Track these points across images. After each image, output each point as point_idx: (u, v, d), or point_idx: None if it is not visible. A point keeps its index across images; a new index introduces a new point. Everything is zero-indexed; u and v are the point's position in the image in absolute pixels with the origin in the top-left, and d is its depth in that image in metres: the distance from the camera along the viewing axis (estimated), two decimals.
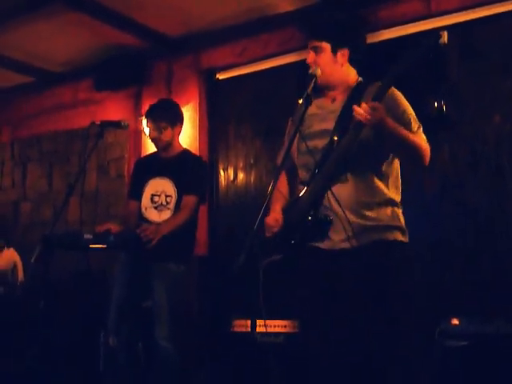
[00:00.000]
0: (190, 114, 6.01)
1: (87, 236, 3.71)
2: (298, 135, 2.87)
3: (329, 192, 2.76)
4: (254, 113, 5.89)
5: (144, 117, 4.30)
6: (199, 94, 6.14)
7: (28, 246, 6.82)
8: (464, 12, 4.73)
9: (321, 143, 2.84)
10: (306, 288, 2.89)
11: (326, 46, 2.89)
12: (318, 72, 2.82)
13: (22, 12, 5.47)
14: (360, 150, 2.74)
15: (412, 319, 2.82)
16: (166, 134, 4.18)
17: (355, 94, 2.86)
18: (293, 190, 3.12)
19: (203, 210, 5.55)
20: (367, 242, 2.74)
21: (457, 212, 4.60)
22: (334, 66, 2.91)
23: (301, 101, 2.75)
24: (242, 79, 6.03)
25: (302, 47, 5.36)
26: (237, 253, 2.47)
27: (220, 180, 6.06)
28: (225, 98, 6.15)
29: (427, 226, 4.63)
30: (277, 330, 4.50)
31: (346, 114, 2.79)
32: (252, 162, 5.87)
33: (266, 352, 4.42)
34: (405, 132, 2.71)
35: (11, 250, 6.70)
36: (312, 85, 2.77)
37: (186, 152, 4.32)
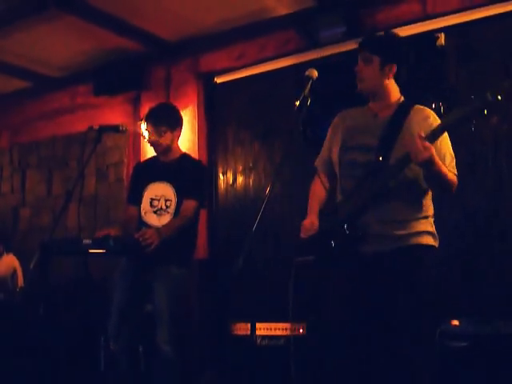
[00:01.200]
0: (188, 117, 6.01)
1: (86, 241, 3.71)
2: (339, 146, 3.09)
3: (370, 209, 2.93)
4: (252, 116, 5.90)
5: (143, 120, 4.28)
6: (197, 97, 6.15)
7: (27, 251, 6.83)
8: (460, 13, 4.74)
9: (362, 157, 2.99)
10: (341, 288, 3.07)
11: (376, 58, 3.04)
12: (314, 74, 2.87)
13: (19, 17, 5.48)
14: (406, 177, 2.93)
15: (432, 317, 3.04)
16: (166, 138, 4.17)
17: (400, 113, 3.01)
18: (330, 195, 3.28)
19: (203, 214, 5.55)
20: (401, 245, 2.91)
21: (455, 213, 4.60)
22: (380, 78, 3.06)
23: (298, 103, 2.78)
24: (240, 83, 6.03)
25: (299, 50, 5.44)
26: (237, 256, 2.48)
27: (219, 183, 6.06)
28: (223, 102, 6.16)
29: None
30: (277, 333, 4.50)
31: (389, 132, 2.97)
32: (251, 165, 5.87)
33: (266, 355, 4.43)
34: (445, 170, 2.87)
35: (11, 255, 6.69)
36: (309, 86, 2.82)
37: (185, 156, 4.32)
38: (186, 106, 6.03)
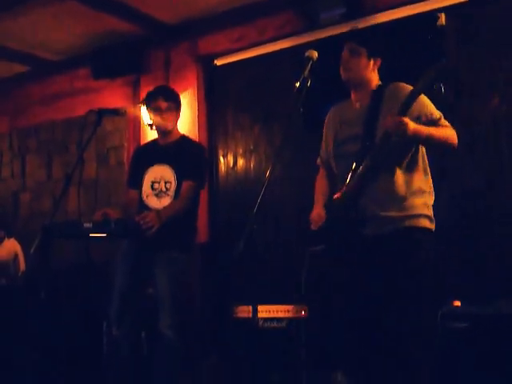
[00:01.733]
0: (188, 100, 5.99)
1: (87, 225, 3.70)
2: (333, 141, 3.25)
3: (366, 189, 3.01)
4: (252, 98, 5.88)
5: (150, 97, 4.25)
6: (197, 80, 6.12)
7: (29, 236, 6.84)
8: None
9: (352, 148, 3.10)
10: (341, 273, 3.20)
11: (363, 50, 3.13)
12: (314, 55, 2.87)
13: (18, 1, 5.45)
14: (393, 151, 2.99)
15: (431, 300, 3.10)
16: (173, 116, 4.20)
17: (376, 98, 3.11)
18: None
19: (203, 197, 5.56)
20: (397, 228, 2.97)
21: (455, 193, 4.60)
22: (366, 70, 3.16)
23: (298, 84, 2.78)
24: (239, 65, 6.01)
25: (299, 32, 5.41)
26: (237, 239, 2.48)
27: (220, 166, 6.05)
28: (223, 84, 6.14)
29: None
30: (280, 315, 4.50)
31: (370, 119, 3.07)
32: (251, 148, 5.86)
33: (269, 337, 4.44)
34: (432, 131, 2.93)
35: (12, 240, 6.71)
36: (308, 67, 2.83)
37: (184, 138, 4.31)
38: (185, 89, 6.01)
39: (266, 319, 4.53)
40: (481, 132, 4.57)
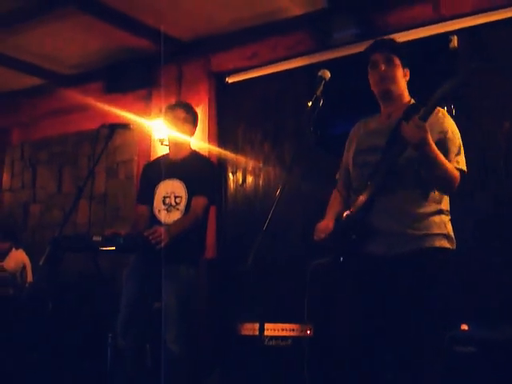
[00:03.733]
0: (199, 116, 5.99)
1: (96, 238, 3.72)
2: (353, 151, 3.12)
3: (379, 203, 2.90)
4: (263, 116, 5.90)
5: (170, 108, 4.30)
6: (209, 97, 6.15)
7: (37, 247, 6.87)
8: (474, 16, 4.72)
9: (372, 158, 2.97)
10: (354, 289, 3.04)
11: (397, 60, 3.05)
12: (327, 75, 2.87)
13: (32, 14, 5.50)
14: (409, 165, 2.86)
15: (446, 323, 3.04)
16: (189, 128, 4.28)
17: (409, 115, 2.92)
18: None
19: (212, 213, 5.56)
20: (415, 248, 2.84)
21: (464, 217, 4.58)
22: (403, 80, 3.09)
23: (310, 103, 2.78)
24: (251, 83, 6.03)
25: (311, 51, 5.44)
26: (245, 255, 2.48)
27: (229, 183, 6.06)
28: (234, 102, 6.16)
29: None
30: (285, 333, 4.49)
31: (397, 131, 2.89)
32: (261, 165, 5.87)
33: (274, 355, 4.43)
34: (442, 158, 2.80)
35: (20, 251, 6.72)
36: (321, 87, 2.82)
37: (195, 153, 4.33)
38: (197, 105, 6.01)
39: (271, 337, 4.52)
40: (492, 155, 4.56)
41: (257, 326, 4.54)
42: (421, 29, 4.94)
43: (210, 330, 5.49)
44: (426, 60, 4.72)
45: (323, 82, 2.85)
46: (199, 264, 4.12)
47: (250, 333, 4.58)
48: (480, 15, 4.71)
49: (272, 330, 4.54)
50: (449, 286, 2.97)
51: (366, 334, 2.90)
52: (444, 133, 2.91)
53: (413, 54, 4.74)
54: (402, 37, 5.00)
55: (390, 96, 3.06)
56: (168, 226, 3.91)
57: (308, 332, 4.40)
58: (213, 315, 5.59)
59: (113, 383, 4.32)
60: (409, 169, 2.87)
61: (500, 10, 4.63)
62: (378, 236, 2.87)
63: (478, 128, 4.62)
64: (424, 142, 2.69)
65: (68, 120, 7.31)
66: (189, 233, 3.94)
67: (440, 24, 4.87)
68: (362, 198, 2.94)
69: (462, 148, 2.95)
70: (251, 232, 2.63)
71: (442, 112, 2.97)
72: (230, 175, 6.07)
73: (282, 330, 4.51)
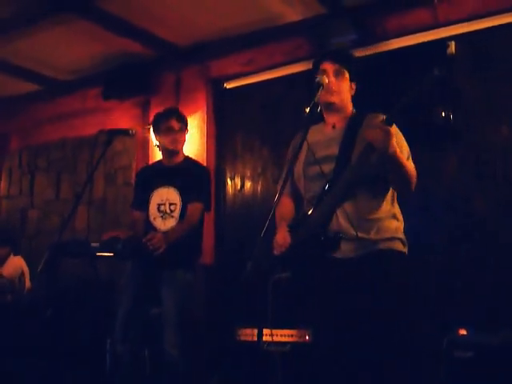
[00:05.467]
0: (197, 123, 6.03)
1: (94, 244, 3.74)
2: (303, 161, 3.11)
3: (339, 210, 2.93)
4: (261, 122, 5.91)
5: (162, 117, 4.30)
6: (207, 103, 6.16)
7: (35, 253, 6.87)
8: (471, 22, 4.74)
9: (327, 168, 2.99)
10: (317, 295, 3.02)
11: (346, 73, 3.10)
12: (325, 81, 2.88)
13: (31, 20, 5.50)
14: (370, 172, 2.90)
15: (419, 327, 3.06)
16: (184, 137, 4.29)
17: (354, 124, 3.04)
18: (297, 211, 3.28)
19: (210, 219, 5.56)
20: (372, 250, 2.90)
21: (463, 222, 4.59)
22: (348, 94, 3.14)
23: (308, 109, 2.79)
24: (249, 89, 6.05)
25: (309, 57, 5.44)
26: (244, 262, 2.48)
27: (227, 189, 6.07)
28: (232, 108, 6.17)
29: (434, 236, 4.64)
30: (283, 339, 4.49)
31: (347, 140, 2.99)
32: (259, 171, 5.88)
33: (272, 361, 4.42)
34: (404, 160, 2.86)
35: (18, 257, 6.71)
36: (319, 93, 2.82)
37: (188, 159, 4.35)
38: (195, 111, 6.05)
39: (269, 343, 4.52)
40: (490, 160, 4.57)
41: (255, 331, 4.55)
42: (418, 34, 4.95)
43: (208, 336, 5.48)
44: (424, 66, 4.73)
45: (321, 88, 2.86)
46: (196, 268, 4.13)
47: (248, 338, 4.58)
48: (477, 21, 4.73)
49: (270, 335, 4.53)
50: (408, 287, 3.01)
51: (338, 339, 2.91)
52: (399, 143, 2.91)
53: (409, 60, 4.80)
54: (399, 42, 5.05)
55: (333, 108, 3.10)
56: (166, 233, 3.92)
57: (307, 337, 4.40)
58: (211, 320, 5.59)
59: None
60: (369, 177, 2.92)
61: (497, 16, 4.65)
62: (340, 244, 2.90)
63: (476, 133, 4.63)
64: (389, 145, 2.71)
65: (66, 126, 7.31)
66: (185, 238, 3.95)
67: (438, 30, 4.88)
68: (319, 208, 2.96)
69: (410, 154, 3.00)
70: (250, 238, 2.64)
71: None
72: (229, 181, 6.07)
73: (281, 335, 4.50)
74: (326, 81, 2.90)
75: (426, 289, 4.45)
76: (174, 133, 4.20)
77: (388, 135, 2.69)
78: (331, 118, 3.14)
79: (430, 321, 4.29)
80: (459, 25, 4.80)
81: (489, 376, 3.49)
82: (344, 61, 3.12)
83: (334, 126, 3.11)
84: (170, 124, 4.21)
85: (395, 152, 2.76)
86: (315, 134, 3.10)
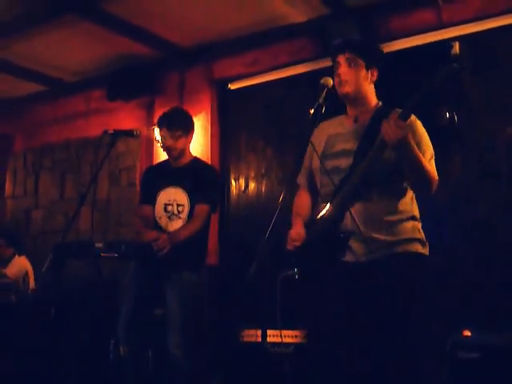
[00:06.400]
0: (201, 123, 6.03)
1: (98, 245, 3.73)
2: (318, 155, 2.97)
3: (352, 209, 2.83)
4: (265, 123, 5.91)
5: (157, 125, 4.29)
6: (211, 103, 6.16)
7: (39, 254, 6.87)
8: (476, 22, 4.73)
9: (344, 163, 2.90)
10: (327, 299, 2.92)
11: (361, 61, 2.96)
12: (330, 82, 2.84)
13: (35, 22, 5.52)
14: (384, 170, 2.82)
15: (429, 329, 2.91)
16: (181, 142, 4.17)
17: (378, 118, 2.88)
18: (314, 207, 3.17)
19: (214, 220, 5.56)
20: (389, 254, 2.80)
21: (467, 223, 4.59)
22: (365, 83, 2.99)
23: (312, 111, 2.77)
24: (253, 89, 6.05)
25: (314, 58, 5.45)
26: (248, 262, 2.48)
27: (231, 190, 6.07)
28: (236, 108, 6.17)
29: (437, 237, 4.63)
30: (287, 340, 4.48)
31: (369, 135, 2.86)
32: (263, 171, 5.88)
33: (276, 362, 4.42)
34: (422, 159, 2.77)
35: (23, 257, 6.72)
36: (323, 95, 2.79)
37: (196, 160, 4.32)
38: (199, 112, 6.05)
39: (272, 344, 4.52)
40: (493, 161, 4.57)
41: (259, 332, 4.55)
42: (423, 35, 4.95)
43: (212, 336, 5.48)
44: (428, 66, 4.72)
45: (325, 89, 2.83)
46: (201, 270, 4.12)
47: (252, 339, 4.58)
48: (482, 21, 4.73)
49: (274, 336, 4.53)
50: (426, 289, 2.94)
51: (349, 347, 2.81)
52: (417, 136, 2.86)
53: (413, 61, 4.79)
54: (404, 43, 5.05)
55: (349, 98, 2.99)
56: (171, 233, 3.92)
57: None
58: (215, 321, 5.59)
59: None
60: (384, 174, 2.83)
61: (501, 17, 4.64)
62: (353, 243, 2.82)
63: (479, 133, 4.63)
64: (404, 142, 2.65)
65: (71, 127, 7.33)
66: (191, 239, 3.94)
67: (442, 30, 4.88)
68: (332, 206, 2.86)
69: (433, 155, 2.90)
70: (254, 238, 2.63)
71: (413, 119, 2.89)
72: (233, 182, 6.07)
73: (285, 336, 4.50)
74: (331, 83, 2.86)
75: (431, 290, 4.45)
76: (167, 142, 4.17)
77: (401, 130, 2.61)
78: (352, 111, 3.03)
79: (435, 323, 4.29)
80: (463, 25, 4.80)
81: (494, 377, 3.48)
82: (357, 48, 2.98)
83: (356, 120, 3.00)
84: (161, 134, 4.20)
85: (411, 149, 2.69)
86: (335, 127, 3.03)
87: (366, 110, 3.00)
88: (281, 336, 3.12)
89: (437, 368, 3.57)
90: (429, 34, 4.94)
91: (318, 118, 2.78)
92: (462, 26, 4.80)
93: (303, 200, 3.17)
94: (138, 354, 4.02)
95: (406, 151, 2.69)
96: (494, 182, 4.55)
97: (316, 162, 3.04)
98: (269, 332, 4.53)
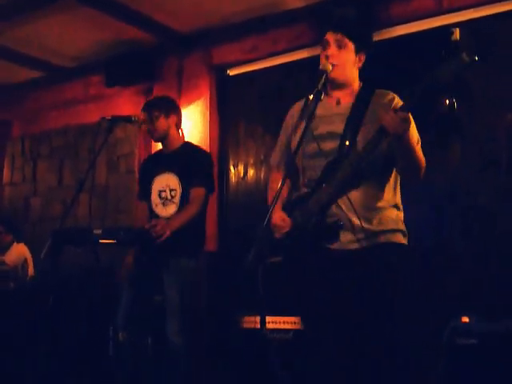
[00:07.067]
0: (200, 109, 6.01)
1: (97, 231, 3.72)
2: (300, 137, 2.84)
3: (340, 195, 2.78)
4: (264, 109, 5.88)
5: (150, 107, 4.30)
6: (210, 90, 6.14)
7: (38, 241, 6.87)
8: (476, 9, 4.70)
9: (328, 146, 2.85)
10: (313, 286, 2.88)
11: (351, 44, 2.88)
12: (329, 68, 2.81)
13: (33, 7, 5.48)
14: (376, 158, 2.77)
15: (413, 317, 2.81)
16: (160, 124, 4.18)
17: (362, 99, 2.87)
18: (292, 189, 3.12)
19: (213, 206, 5.55)
20: (374, 243, 2.77)
21: (466, 212, 4.58)
22: (353, 67, 2.93)
23: (311, 96, 2.74)
24: (252, 75, 6.02)
25: (313, 44, 5.42)
26: (246, 249, 2.47)
27: (230, 176, 6.06)
28: (235, 95, 6.15)
29: (437, 226, 4.63)
30: (286, 326, 4.49)
31: (354, 117, 2.83)
32: (262, 158, 5.86)
33: (274, 348, 4.43)
34: (417, 148, 2.75)
35: (21, 244, 6.72)
36: (323, 81, 2.76)
37: (187, 144, 4.33)
38: (198, 98, 6.03)
39: (271, 330, 4.52)
40: (494, 149, 4.55)
41: (258, 319, 4.56)
42: (423, 21, 4.93)
43: (211, 323, 5.49)
44: (428, 53, 4.70)
45: (324, 75, 2.81)
46: (199, 256, 4.12)
47: (251, 326, 4.59)
48: (482, 7, 4.69)
49: (273, 323, 4.54)
50: (411, 278, 2.92)
51: (335, 334, 2.80)
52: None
53: (413, 47, 4.77)
54: (404, 29, 5.02)
55: (335, 82, 2.91)
56: (169, 219, 3.91)
57: None
58: (214, 308, 5.60)
59: (115, 376, 4.33)
60: (374, 163, 2.77)
61: (502, 3, 4.61)
62: (338, 230, 2.77)
63: (479, 120, 4.61)
64: (406, 134, 2.61)
65: (69, 113, 7.31)
66: (188, 225, 3.93)
67: (442, 16, 4.85)
68: (321, 193, 2.80)
69: (420, 140, 2.83)
70: (252, 225, 2.62)
71: (397, 98, 2.85)
72: (232, 168, 6.06)
73: (284, 322, 4.51)
74: (330, 68, 2.83)
75: (426, 280, 4.45)
76: (146, 126, 4.22)
77: (406, 123, 2.56)
78: (335, 93, 2.95)
79: (431, 313, 4.30)
80: (464, 11, 4.77)
81: (492, 363, 3.49)
82: (348, 30, 2.88)
83: (338, 102, 2.93)
84: (142, 119, 4.25)
85: (409, 138, 2.65)
86: (319, 109, 2.87)
87: (350, 92, 2.95)
88: (264, 323, 3.06)
89: (431, 355, 3.57)
90: (429, 19, 4.91)
91: (317, 104, 2.75)
92: (462, 12, 4.77)
93: (279, 182, 2.92)
94: (137, 341, 4.03)
95: (405, 141, 2.66)
96: (493, 172, 4.52)
97: (295, 144, 2.90)
98: (268, 318, 4.54)
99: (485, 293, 4.35)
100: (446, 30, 4.66)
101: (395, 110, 2.59)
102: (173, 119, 4.26)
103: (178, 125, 4.31)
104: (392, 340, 2.76)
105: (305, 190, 2.93)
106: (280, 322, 4.52)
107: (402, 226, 2.88)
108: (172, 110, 4.29)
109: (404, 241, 2.87)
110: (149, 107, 4.27)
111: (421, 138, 2.83)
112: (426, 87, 2.57)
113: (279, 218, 2.86)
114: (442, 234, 4.63)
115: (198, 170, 4.10)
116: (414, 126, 2.79)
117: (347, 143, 2.79)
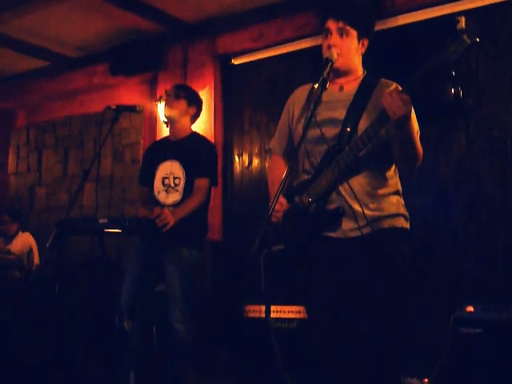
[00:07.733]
0: (205, 98, 5.97)
1: (102, 220, 3.73)
2: (303, 122, 2.84)
3: (341, 182, 2.75)
4: (269, 98, 5.88)
5: (178, 96, 4.29)
6: (214, 79, 6.13)
7: (43, 230, 6.90)
8: None
9: (330, 132, 2.81)
10: (316, 275, 2.86)
11: (354, 32, 2.84)
12: (334, 56, 2.79)
13: None
14: (376, 144, 2.74)
15: (418, 301, 2.82)
16: (179, 105, 4.19)
17: (366, 86, 2.84)
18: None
19: (218, 196, 5.56)
20: (376, 229, 2.73)
21: (471, 200, 4.57)
22: (356, 54, 2.90)
23: (317, 85, 2.72)
24: (257, 64, 6.02)
25: (318, 32, 5.39)
26: (251, 238, 2.47)
27: (235, 166, 6.06)
28: (240, 84, 6.14)
29: (442, 214, 4.62)
30: (290, 315, 4.50)
31: (357, 104, 2.79)
32: (267, 147, 5.85)
33: (280, 337, 4.44)
34: (416, 133, 2.71)
35: (27, 234, 6.75)
36: (328, 69, 2.75)
37: (194, 134, 4.32)
38: (202, 87, 6.02)
39: (276, 319, 4.54)
40: (500, 137, 4.54)
41: (263, 308, 4.57)
42: (428, 9, 4.90)
43: (216, 312, 5.51)
44: (433, 41, 4.68)
45: (330, 63, 2.79)
46: (202, 245, 4.12)
47: (256, 315, 4.60)
48: None
49: (277, 311, 4.55)
50: (410, 262, 2.90)
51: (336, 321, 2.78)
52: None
53: (419, 35, 4.75)
54: (409, 17, 5.00)
55: (340, 71, 2.87)
56: (173, 208, 3.92)
57: None
58: (219, 297, 5.61)
59: (120, 365, 4.35)
60: (374, 149, 2.75)
61: None
62: (339, 218, 2.76)
63: (486, 110, 4.59)
64: (407, 118, 2.56)
65: (73, 102, 7.31)
66: (191, 216, 3.94)
67: (448, 5, 4.83)
68: (322, 179, 2.78)
69: (419, 131, 2.80)
70: (257, 214, 2.63)
71: (397, 86, 2.80)
72: (236, 158, 6.06)
73: (288, 311, 4.52)
74: (335, 56, 2.81)
75: (431, 265, 4.45)
76: (168, 99, 4.23)
77: (408, 105, 2.51)
78: (338, 79, 2.91)
79: (435, 299, 4.30)
80: (469, 0, 4.75)
81: (496, 352, 3.50)
82: (350, 17, 2.82)
83: (341, 88, 2.90)
84: (167, 92, 4.28)
85: (410, 124, 2.61)
86: (320, 94, 2.78)
87: (353, 79, 2.91)
88: (269, 312, 3.06)
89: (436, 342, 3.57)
90: (434, 8, 4.89)
91: (322, 92, 2.73)
92: (467, 0, 4.75)
93: (280, 169, 2.99)
94: (142, 330, 4.05)
95: (406, 127, 2.61)
96: (500, 158, 4.51)
97: (299, 130, 2.90)
98: (272, 307, 4.55)
99: (490, 280, 4.35)
100: (452, 18, 4.65)
101: (397, 91, 2.55)
102: (192, 110, 4.28)
103: (193, 119, 4.33)
104: (398, 325, 2.76)
105: (305, 176, 2.91)
106: (285, 311, 4.53)
107: (404, 210, 2.85)
108: (196, 103, 4.32)
109: (406, 225, 2.84)
110: (179, 86, 4.37)
111: (427, 125, 2.79)
112: (428, 70, 2.54)
113: (278, 202, 2.77)
114: (448, 220, 4.62)
115: (204, 161, 4.10)
116: (415, 116, 2.76)
117: (348, 130, 2.76)
